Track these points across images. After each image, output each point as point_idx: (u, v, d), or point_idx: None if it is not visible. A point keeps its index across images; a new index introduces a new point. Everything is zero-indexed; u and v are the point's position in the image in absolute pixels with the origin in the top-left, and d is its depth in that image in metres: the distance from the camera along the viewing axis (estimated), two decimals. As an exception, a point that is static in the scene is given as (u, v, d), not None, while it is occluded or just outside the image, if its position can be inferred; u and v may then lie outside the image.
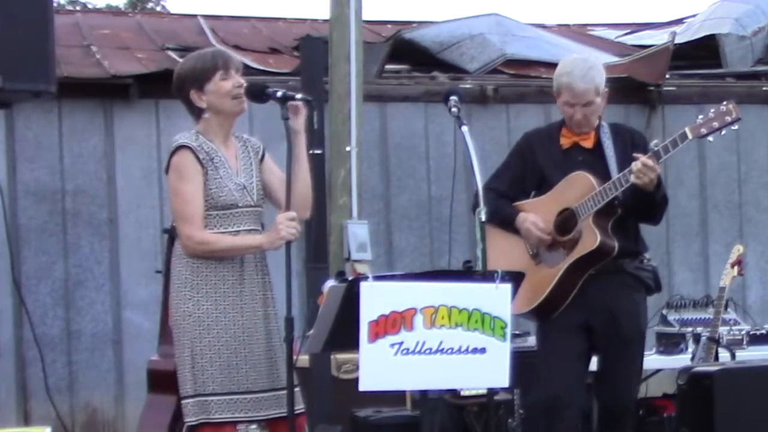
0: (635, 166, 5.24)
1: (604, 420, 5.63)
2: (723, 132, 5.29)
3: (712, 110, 5.30)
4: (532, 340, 6.52)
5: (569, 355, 5.44)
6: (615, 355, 5.47)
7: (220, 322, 4.64)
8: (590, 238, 5.38)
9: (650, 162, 5.23)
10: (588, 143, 5.57)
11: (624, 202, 5.40)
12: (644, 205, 5.43)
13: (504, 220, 5.55)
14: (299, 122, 4.69)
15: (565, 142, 5.61)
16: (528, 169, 5.65)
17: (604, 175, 5.45)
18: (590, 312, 5.42)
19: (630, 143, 5.56)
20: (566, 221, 5.47)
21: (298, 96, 4.70)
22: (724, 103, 5.32)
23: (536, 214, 5.52)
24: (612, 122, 5.74)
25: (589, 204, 5.38)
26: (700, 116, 5.35)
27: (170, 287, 4.73)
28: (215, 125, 4.75)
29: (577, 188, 5.45)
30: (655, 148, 5.29)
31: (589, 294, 5.41)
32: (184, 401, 4.64)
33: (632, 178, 5.25)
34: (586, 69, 5.49)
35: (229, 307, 4.66)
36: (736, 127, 5.31)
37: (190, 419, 4.63)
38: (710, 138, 5.33)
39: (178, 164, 4.67)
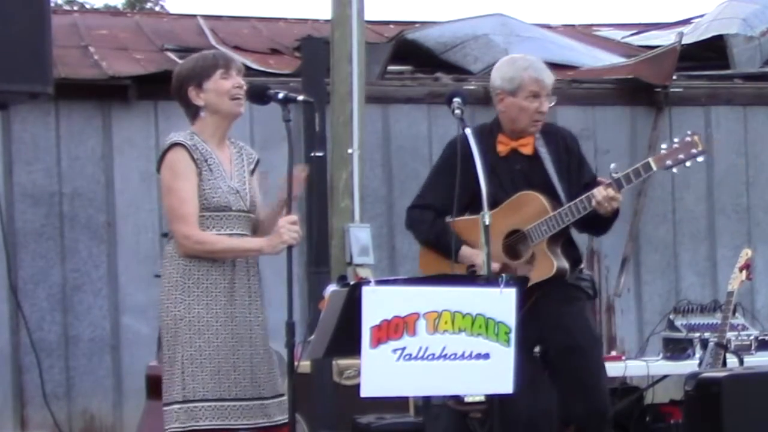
0: (598, 195, 5.13)
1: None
2: (688, 164, 5.19)
3: (677, 140, 5.19)
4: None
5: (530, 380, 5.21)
6: (577, 366, 5.29)
7: (212, 326, 4.59)
8: (546, 264, 5.26)
9: (612, 192, 5.14)
10: (527, 149, 5.39)
11: (575, 222, 5.28)
12: (597, 223, 5.36)
13: (445, 251, 5.27)
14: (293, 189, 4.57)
15: (502, 149, 5.41)
16: (461, 181, 5.05)
17: (544, 188, 5.30)
18: (541, 328, 5.25)
19: (564, 147, 5.44)
20: (515, 243, 5.33)
21: (300, 97, 4.68)
22: (689, 132, 5.21)
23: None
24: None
25: (543, 229, 5.24)
26: (664, 145, 5.24)
27: (160, 289, 4.66)
28: (211, 126, 4.71)
29: (528, 210, 5.29)
30: (616, 176, 5.17)
31: (538, 310, 5.20)
32: (168, 407, 4.57)
33: (593, 205, 5.15)
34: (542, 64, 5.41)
35: (220, 311, 4.62)
36: (701, 159, 5.19)
37: (173, 426, 4.54)
38: (675, 170, 5.23)
39: (172, 161, 4.63)
